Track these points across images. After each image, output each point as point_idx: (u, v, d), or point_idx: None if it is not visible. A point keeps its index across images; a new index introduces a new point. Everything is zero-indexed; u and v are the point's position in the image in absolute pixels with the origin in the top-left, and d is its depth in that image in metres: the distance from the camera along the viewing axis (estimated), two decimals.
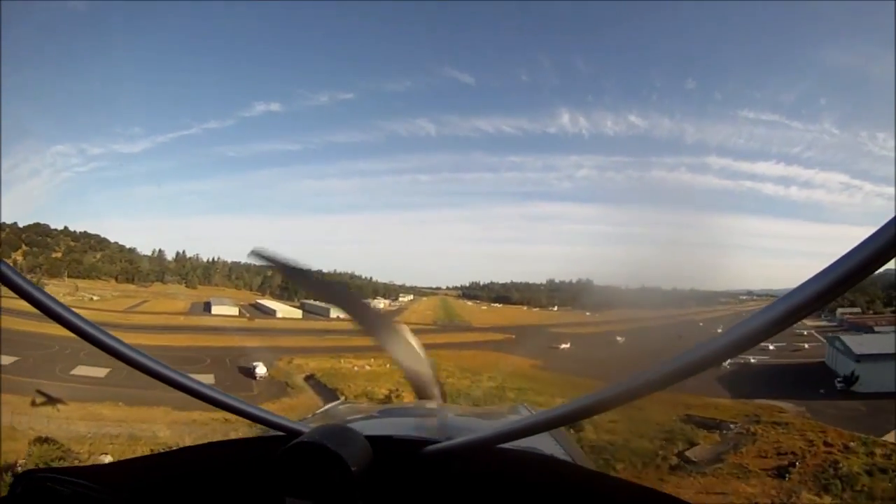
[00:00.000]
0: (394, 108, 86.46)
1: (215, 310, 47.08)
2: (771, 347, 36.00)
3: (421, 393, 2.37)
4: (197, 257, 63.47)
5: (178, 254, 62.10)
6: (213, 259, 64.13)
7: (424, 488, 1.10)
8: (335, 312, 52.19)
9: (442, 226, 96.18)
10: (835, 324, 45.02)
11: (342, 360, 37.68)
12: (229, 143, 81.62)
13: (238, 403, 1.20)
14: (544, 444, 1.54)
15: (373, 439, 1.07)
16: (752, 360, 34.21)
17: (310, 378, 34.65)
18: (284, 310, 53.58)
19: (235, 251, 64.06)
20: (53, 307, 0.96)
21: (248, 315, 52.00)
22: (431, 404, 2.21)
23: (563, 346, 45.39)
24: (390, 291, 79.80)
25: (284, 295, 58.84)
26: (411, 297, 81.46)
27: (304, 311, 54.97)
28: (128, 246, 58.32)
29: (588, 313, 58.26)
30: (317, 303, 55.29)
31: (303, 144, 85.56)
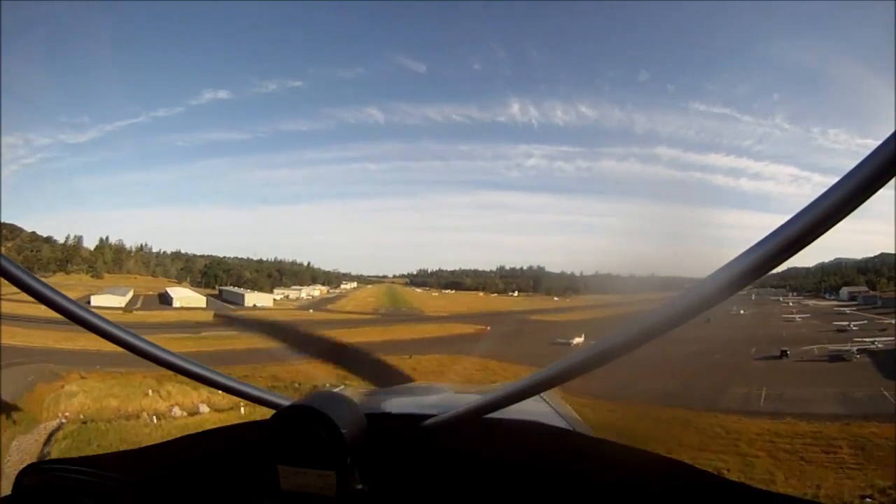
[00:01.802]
0: (343, 95, 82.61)
1: (95, 300, 40.97)
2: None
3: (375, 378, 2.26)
4: (122, 245, 57.53)
5: (101, 241, 56.38)
6: (141, 247, 58.10)
7: (422, 461, 1.10)
8: (251, 300, 48.95)
9: (391, 214, 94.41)
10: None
11: (147, 395, 24.43)
12: (178, 132, 74.14)
13: (230, 381, 1.20)
14: (543, 413, 1.60)
15: (370, 416, 1.07)
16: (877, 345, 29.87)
17: None
18: (186, 298, 47.98)
19: (182, 243, 59.89)
20: (52, 296, 0.97)
21: (136, 306, 46.35)
22: (430, 383, 2.11)
23: (576, 340, 32.96)
24: (331, 278, 76.70)
25: (203, 283, 53.53)
26: (355, 284, 78.69)
27: (220, 299, 49.92)
28: (45, 235, 52.92)
29: (556, 298, 57.17)
30: (235, 289, 50.53)
31: (251, 134, 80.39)
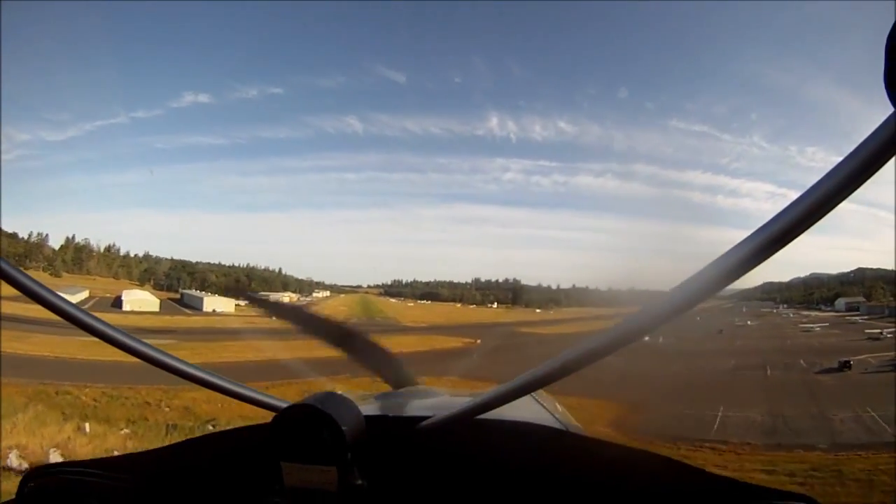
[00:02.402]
0: (324, 104, 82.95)
1: None
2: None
3: (398, 384, 2.07)
4: (88, 245, 56.18)
5: (67, 240, 55.24)
6: (109, 248, 56.58)
7: (418, 460, 1.13)
8: (211, 305, 47.68)
9: (367, 225, 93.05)
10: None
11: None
12: (157, 134, 75.57)
13: (228, 384, 1.22)
14: (537, 414, 1.63)
15: (367, 419, 1.09)
16: None
17: None
18: (139, 301, 46.48)
19: (156, 246, 59.57)
20: (52, 299, 0.99)
21: (86, 308, 43.50)
22: (428, 388, 2.01)
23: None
24: (303, 286, 75.37)
25: (166, 286, 52.15)
26: (327, 293, 77.45)
27: (181, 303, 48.60)
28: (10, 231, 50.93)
29: (538, 310, 56.22)
30: (195, 293, 49.31)
31: (230, 139, 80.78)
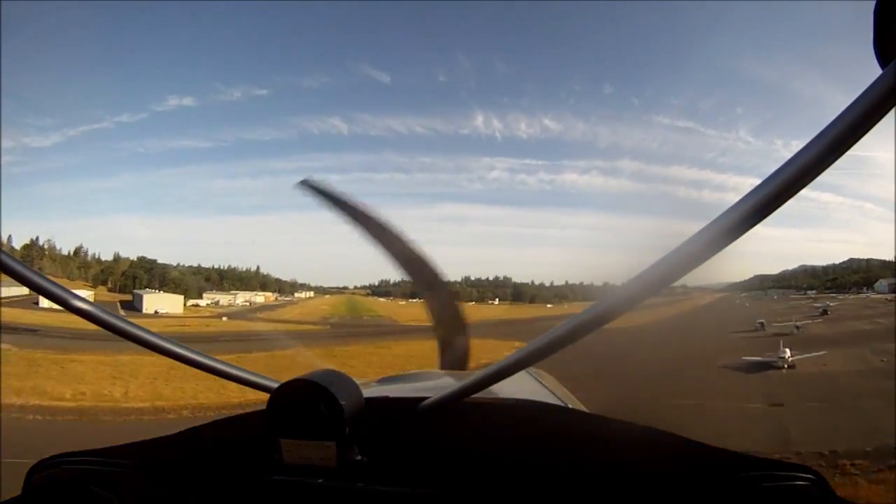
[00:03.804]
0: (308, 105, 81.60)
1: None
2: None
3: (452, 365, 2.10)
4: (51, 244, 52.28)
5: (31, 241, 51.28)
6: (77, 251, 52.36)
7: (417, 438, 1.13)
8: (152, 304, 42.93)
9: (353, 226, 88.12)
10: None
11: None
12: (141, 139, 72.53)
13: (222, 366, 1.24)
14: (537, 392, 1.68)
15: (368, 400, 1.11)
16: None
17: None
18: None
19: (139, 252, 54.70)
20: (51, 288, 1.02)
21: None
22: (427, 371, 2.11)
23: (789, 355, 27.33)
24: (284, 286, 71.63)
25: (120, 286, 47.52)
26: (311, 294, 73.68)
27: (129, 306, 43.76)
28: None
29: (549, 305, 54.22)
30: (140, 292, 44.60)
31: (214, 142, 78.08)
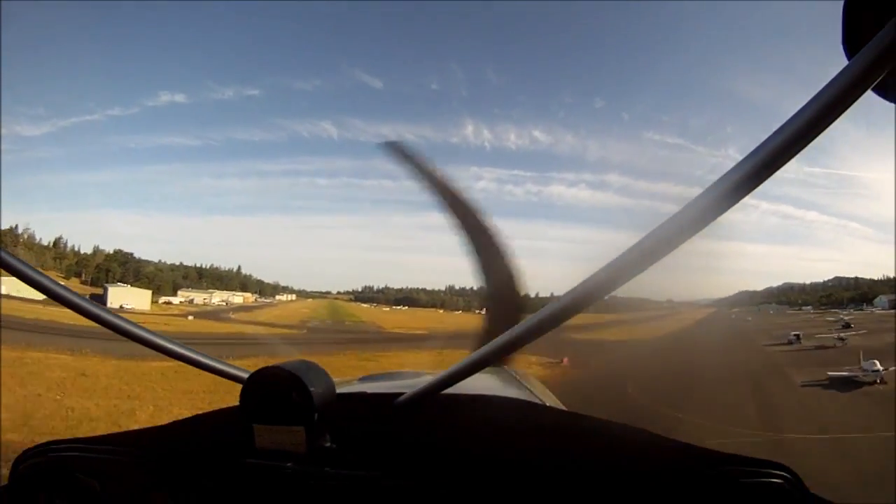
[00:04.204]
0: (299, 107, 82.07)
1: None
2: None
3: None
4: (28, 234, 51.27)
5: (9, 228, 50.26)
6: (55, 243, 51.32)
7: (389, 431, 1.16)
8: (118, 299, 41.51)
9: (338, 231, 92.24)
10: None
11: None
12: (131, 134, 73.43)
13: (194, 354, 1.27)
14: (513, 390, 1.70)
15: (344, 396, 1.16)
16: None
17: None
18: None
19: (124, 248, 53.61)
20: (50, 285, 1.06)
21: None
22: (406, 370, 2.05)
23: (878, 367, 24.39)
24: (266, 288, 70.72)
25: (91, 279, 46.45)
26: (293, 297, 72.87)
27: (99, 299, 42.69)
28: None
29: None
30: (109, 286, 43.58)
31: (204, 140, 77.83)
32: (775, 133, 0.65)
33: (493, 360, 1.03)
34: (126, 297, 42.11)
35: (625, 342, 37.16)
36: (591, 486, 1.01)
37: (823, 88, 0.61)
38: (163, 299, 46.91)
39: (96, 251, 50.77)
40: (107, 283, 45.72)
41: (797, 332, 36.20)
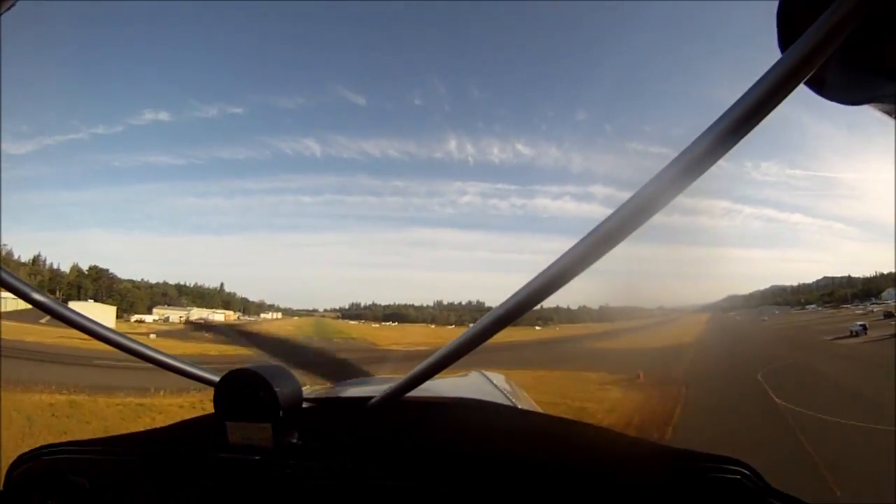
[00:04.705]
0: (282, 125, 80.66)
1: None
2: None
3: None
4: (10, 252, 50.15)
5: None
6: (34, 260, 50.15)
7: (357, 432, 1.20)
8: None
9: (323, 248, 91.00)
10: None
11: None
12: (115, 152, 71.43)
13: (171, 360, 1.31)
14: (484, 391, 1.78)
15: (318, 401, 1.25)
16: None
17: None
18: None
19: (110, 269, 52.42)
20: (49, 304, 1.15)
21: None
22: (380, 376, 2.32)
23: None
24: (250, 307, 69.46)
25: (66, 296, 45.07)
26: (279, 315, 71.52)
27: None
28: None
29: (538, 328, 53.11)
30: (78, 303, 42.24)
31: (188, 159, 78.13)
32: (710, 127, 0.67)
33: (456, 359, 1.01)
34: (88, 315, 39.57)
35: (671, 347, 33.68)
36: (555, 484, 1.03)
37: (756, 83, 0.63)
38: (135, 317, 45.42)
39: (72, 269, 49.61)
40: (79, 299, 44.35)
41: (862, 323, 34.55)
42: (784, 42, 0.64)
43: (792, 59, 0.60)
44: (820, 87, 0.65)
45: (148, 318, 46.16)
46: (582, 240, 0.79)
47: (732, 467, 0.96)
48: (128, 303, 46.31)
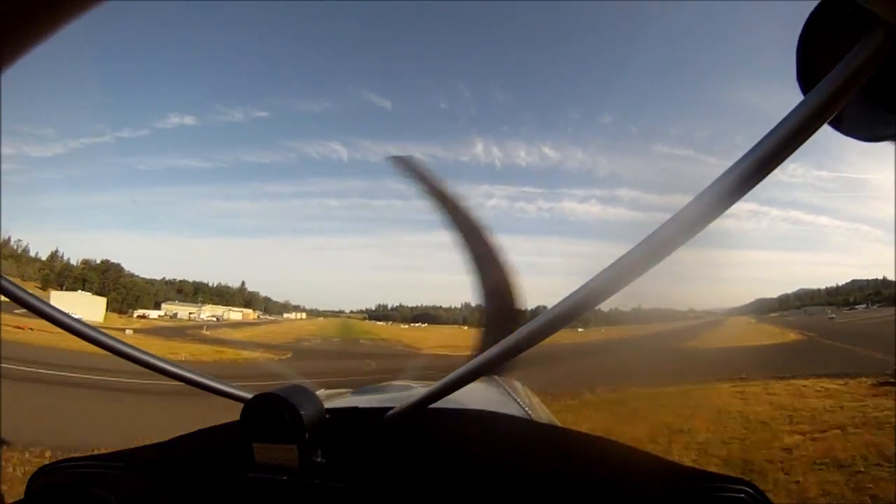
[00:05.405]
0: (308, 129, 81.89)
1: None
2: None
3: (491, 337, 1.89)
4: (26, 249, 49.18)
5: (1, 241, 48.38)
6: (52, 256, 49.08)
7: (377, 445, 1.22)
8: (63, 307, 37.00)
9: (349, 251, 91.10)
10: None
11: None
12: (141, 156, 75.17)
13: (201, 378, 1.34)
14: (502, 403, 1.71)
15: (335, 411, 1.24)
16: None
17: None
18: None
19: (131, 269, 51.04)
20: (50, 311, 1.11)
21: None
22: (399, 382, 2.08)
23: None
24: (273, 306, 66.77)
25: (76, 289, 42.75)
26: (303, 315, 68.60)
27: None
28: None
29: (580, 329, 48.32)
30: (66, 294, 39.40)
31: (213, 162, 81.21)
32: (733, 166, 0.66)
33: (485, 372, 1.01)
34: (74, 306, 34.96)
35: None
36: (571, 499, 1.05)
37: (779, 124, 0.63)
38: (137, 312, 42.41)
39: (82, 262, 47.62)
40: (83, 291, 41.84)
41: None
42: (804, 78, 0.64)
43: (813, 101, 0.60)
44: (838, 124, 0.65)
45: (152, 314, 43.16)
46: (630, 251, 0.76)
47: (738, 486, 0.99)
48: (133, 297, 43.37)
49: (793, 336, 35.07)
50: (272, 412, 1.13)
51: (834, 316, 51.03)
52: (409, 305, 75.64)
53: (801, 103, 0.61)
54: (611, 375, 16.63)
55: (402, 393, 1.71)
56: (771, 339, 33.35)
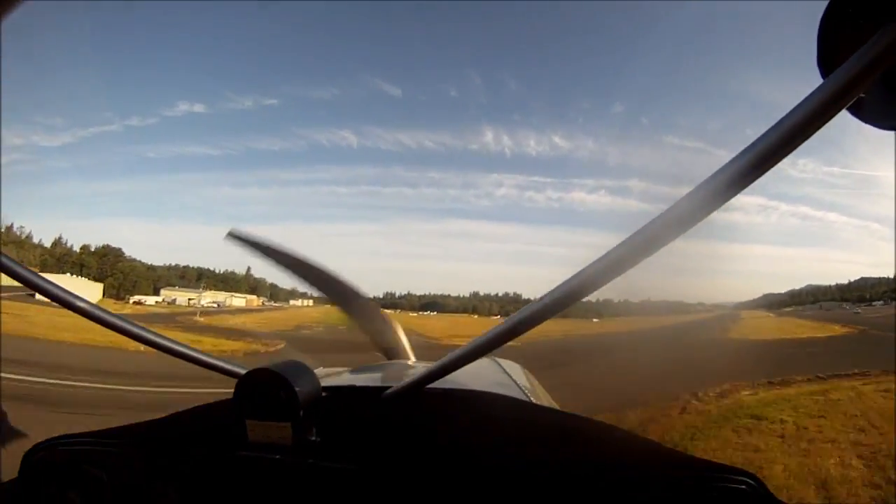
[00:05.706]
0: (317, 116, 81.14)
1: None
2: None
3: (392, 355, 2.30)
4: (29, 235, 49.05)
5: (5, 228, 48.88)
6: (56, 242, 48.72)
7: (374, 425, 1.21)
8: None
9: (358, 239, 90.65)
10: None
11: None
12: (150, 143, 74.33)
13: (190, 351, 1.34)
14: (502, 383, 1.74)
15: (333, 389, 1.23)
16: None
17: None
18: None
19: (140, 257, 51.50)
20: (52, 289, 1.10)
21: None
22: (397, 361, 2.21)
23: None
24: (279, 293, 66.11)
25: (63, 271, 42.12)
26: (310, 302, 67.86)
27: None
28: None
29: (595, 320, 51.75)
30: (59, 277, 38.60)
31: (223, 150, 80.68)
32: (744, 151, 0.65)
33: (483, 353, 1.02)
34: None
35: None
36: (570, 484, 1.04)
37: (797, 106, 0.62)
38: (134, 298, 41.58)
39: (82, 248, 46.99)
40: (81, 276, 41.07)
41: None
42: (824, 63, 0.63)
43: (832, 86, 0.59)
44: (858, 111, 0.64)
45: (149, 300, 42.29)
46: (630, 237, 0.76)
47: (739, 477, 0.98)
48: (130, 282, 42.49)
49: (839, 329, 33.67)
50: (267, 388, 1.08)
51: (859, 311, 50.39)
52: (418, 293, 74.44)
53: (820, 87, 0.60)
54: (698, 376, 13.76)
55: (401, 372, 1.71)
56: (819, 333, 31.61)
